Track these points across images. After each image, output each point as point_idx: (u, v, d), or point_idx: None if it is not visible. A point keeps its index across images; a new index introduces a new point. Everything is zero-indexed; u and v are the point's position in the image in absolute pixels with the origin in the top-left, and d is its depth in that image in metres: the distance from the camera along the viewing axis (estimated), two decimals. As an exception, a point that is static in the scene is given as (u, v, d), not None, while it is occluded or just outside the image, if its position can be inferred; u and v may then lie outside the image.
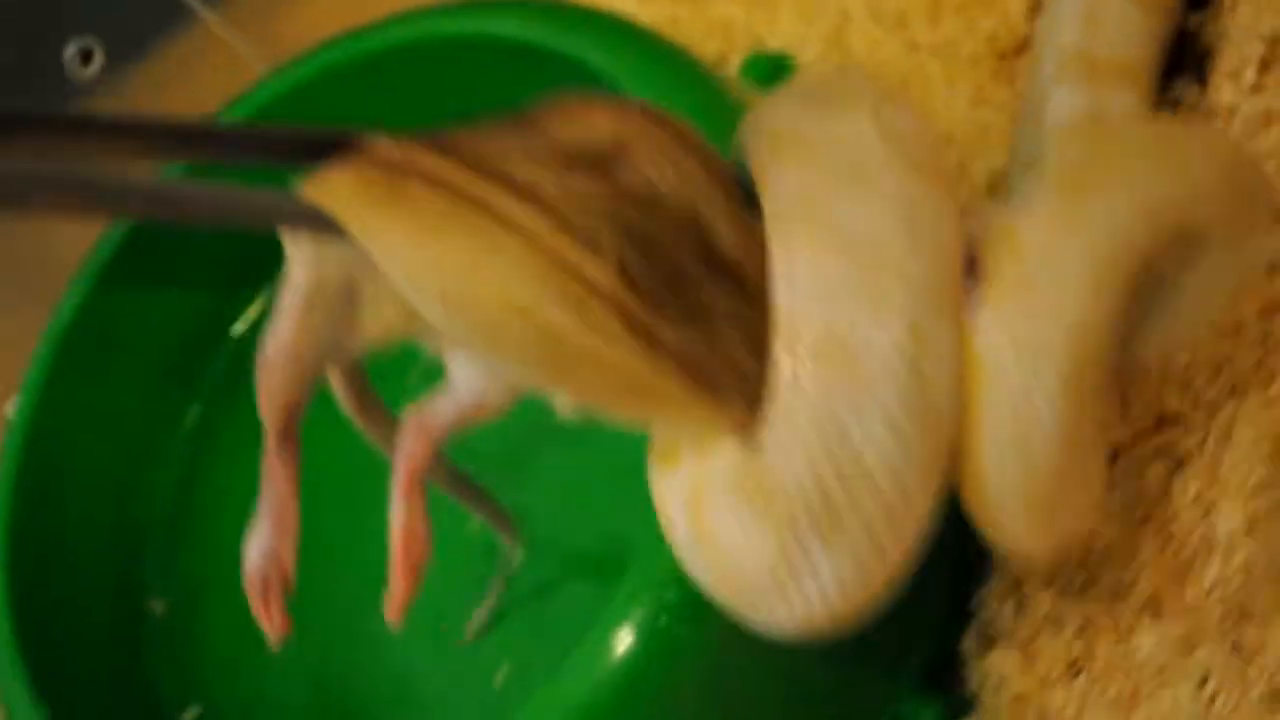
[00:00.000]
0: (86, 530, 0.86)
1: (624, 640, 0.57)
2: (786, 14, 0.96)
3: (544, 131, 0.52)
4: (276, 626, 0.54)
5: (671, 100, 0.71)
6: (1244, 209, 0.56)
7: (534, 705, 0.58)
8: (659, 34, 0.77)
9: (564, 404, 0.51)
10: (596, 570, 0.74)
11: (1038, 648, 0.66)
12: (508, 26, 0.77)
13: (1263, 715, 0.60)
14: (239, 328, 0.91)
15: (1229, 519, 0.63)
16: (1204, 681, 0.62)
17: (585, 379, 0.49)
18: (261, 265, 0.88)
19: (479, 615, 0.73)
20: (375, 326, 0.53)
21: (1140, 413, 0.67)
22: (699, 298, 0.50)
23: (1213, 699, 0.61)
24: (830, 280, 0.49)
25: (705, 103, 0.72)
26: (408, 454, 0.53)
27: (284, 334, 0.52)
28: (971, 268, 0.51)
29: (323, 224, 0.48)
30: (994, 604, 0.68)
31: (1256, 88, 0.73)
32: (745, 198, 0.53)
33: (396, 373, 0.61)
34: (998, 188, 0.83)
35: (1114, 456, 0.66)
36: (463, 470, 0.65)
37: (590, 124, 0.52)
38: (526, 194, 0.48)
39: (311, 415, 0.55)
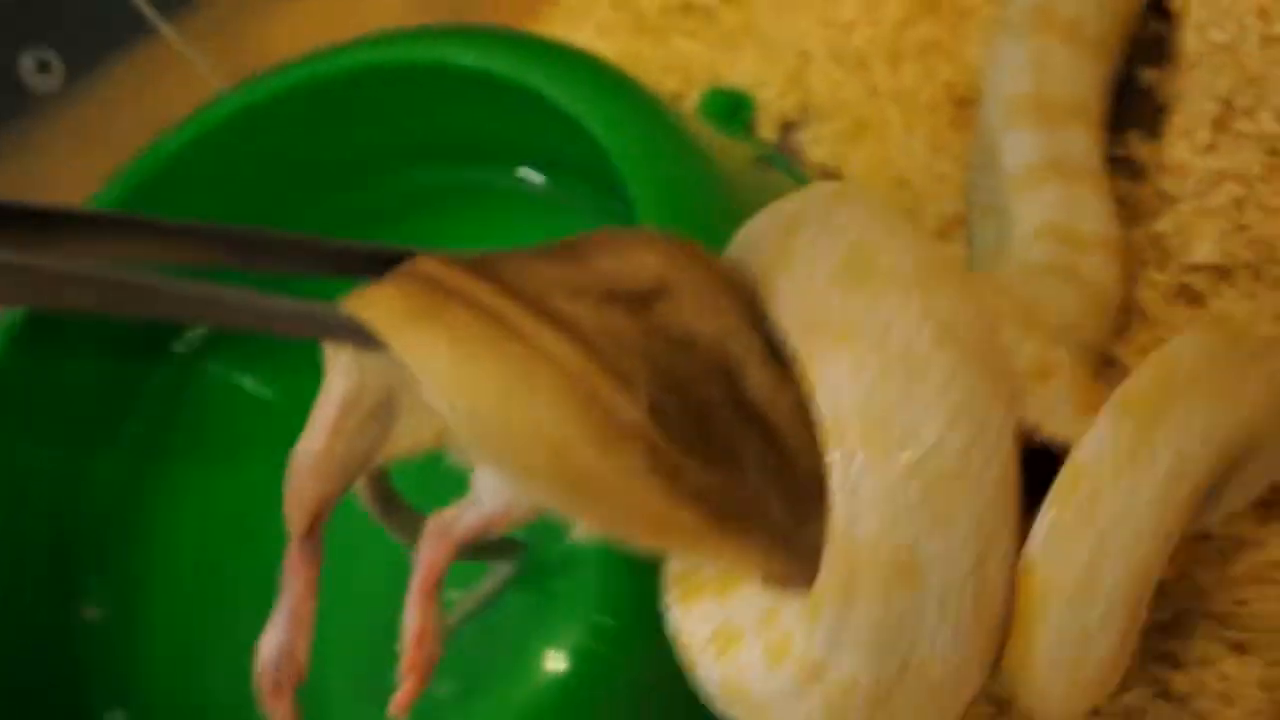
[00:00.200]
0: (21, 538, 0.85)
1: (556, 663, 0.57)
2: (747, 52, 0.97)
3: (589, 263, 0.52)
4: (285, 719, 0.55)
5: (628, 134, 0.71)
6: None
7: None
8: (618, 68, 0.77)
9: (584, 530, 0.51)
10: (538, 588, 0.73)
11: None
12: (467, 56, 0.77)
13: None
14: (179, 347, 0.91)
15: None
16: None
17: (609, 513, 0.49)
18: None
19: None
20: (408, 438, 0.53)
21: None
22: (728, 442, 0.50)
23: None
24: (894, 495, 0.48)
25: (663, 138, 0.72)
26: (429, 560, 0.54)
27: (318, 442, 0.52)
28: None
29: (364, 338, 0.48)
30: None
31: (1210, 147, 0.73)
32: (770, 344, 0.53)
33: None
34: (948, 232, 0.84)
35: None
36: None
37: (639, 261, 0.52)
38: (565, 326, 0.48)
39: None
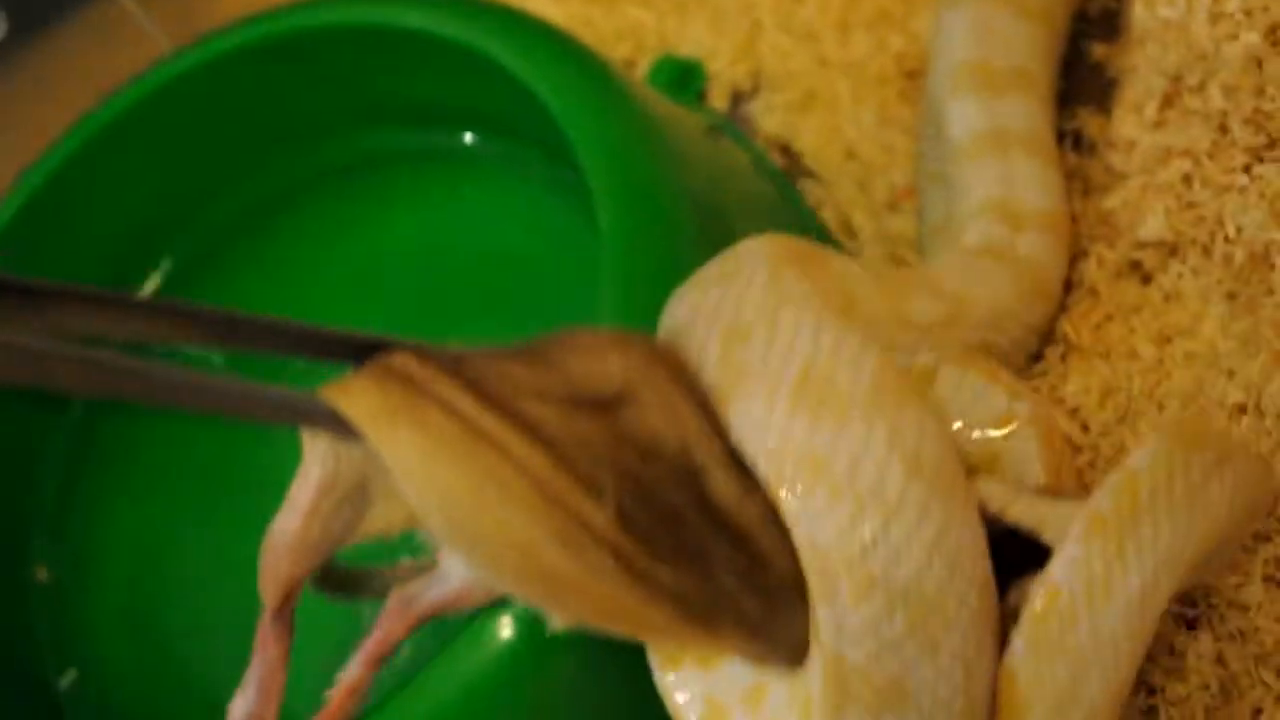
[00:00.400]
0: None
1: (505, 629, 0.57)
2: (698, 21, 0.96)
3: (556, 366, 0.53)
4: None
5: (578, 101, 0.71)
6: (1261, 515, 0.60)
7: (413, 689, 0.58)
8: (569, 34, 0.76)
9: (555, 621, 0.52)
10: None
11: None
12: (414, 18, 0.76)
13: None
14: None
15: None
16: None
17: (579, 608, 0.51)
18: (151, 242, 0.89)
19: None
20: (381, 520, 0.54)
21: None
22: (697, 546, 0.51)
23: None
24: (878, 625, 0.50)
25: (613, 105, 0.71)
26: (389, 632, 0.56)
27: (293, 524, 0.54)
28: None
29: (341, 427, 0.50)
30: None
31: (1158, 123, 0.73)
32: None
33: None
34: (898, 203, 0.84)
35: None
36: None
37: (603, 364, 0.53)
38: (533, 430, 0.49)
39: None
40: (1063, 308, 0.75)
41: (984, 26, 0.79)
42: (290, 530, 0.54)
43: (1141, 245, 0.73)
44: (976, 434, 0.61)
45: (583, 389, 0.52)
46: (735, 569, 0.51)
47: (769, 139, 0.90)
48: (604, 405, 0.52)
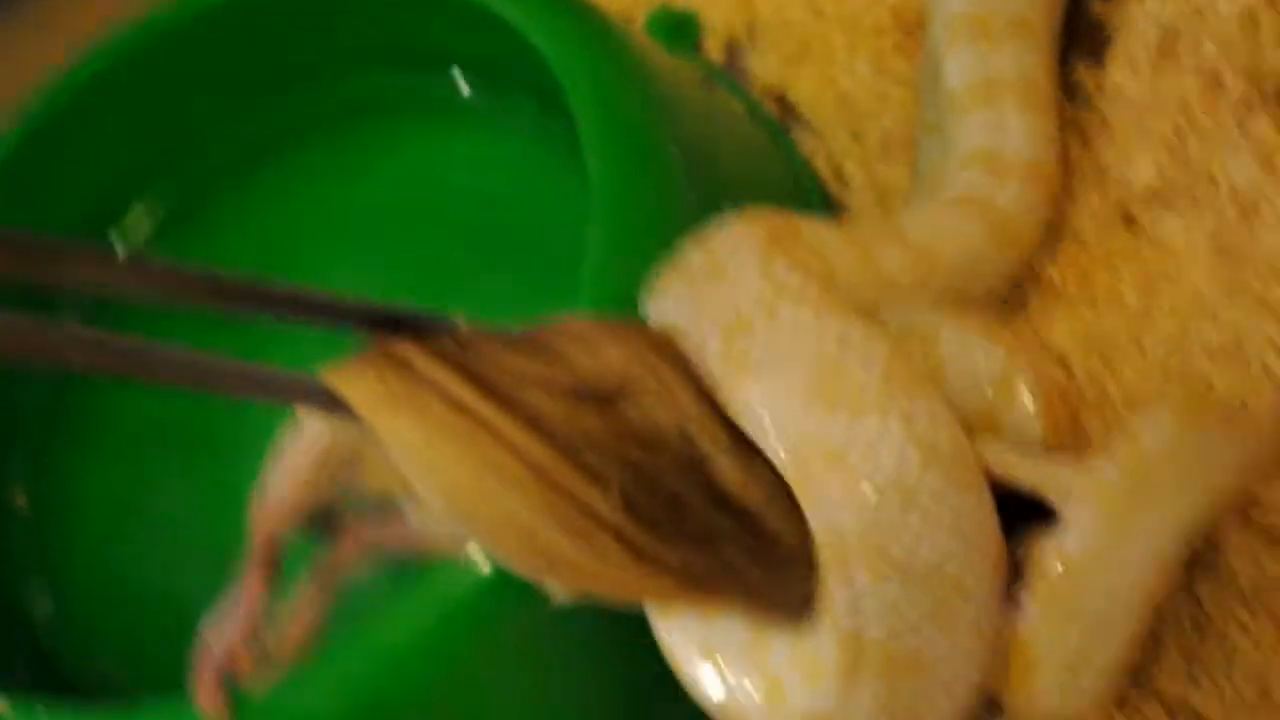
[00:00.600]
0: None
1: (484, 564, 0.58)
2: (695, -29, 0.96)
3: (559, 358, 0.54)
4: (213, 707, 0.58)
5: (572, 49, 0.71)
6: (1265, 473, 0.62)
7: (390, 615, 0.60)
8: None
9: (557, 593, 0.53)
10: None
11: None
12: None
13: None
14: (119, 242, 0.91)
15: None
16: None
17: (578, 583, 0.52)
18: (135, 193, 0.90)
19: None
20: (373, 487, 0.56)
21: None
22: (703, 528, 0.52)
23: None
24: (896, 605, 0.52)
25: (608, 54, 0.71)
26: (339, 551, 0.57)
27: (286, 488, 0.56)
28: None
29: (340, 408, 0.50)
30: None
31: (1152, 74, 0.73)
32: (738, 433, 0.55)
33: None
34: (891, 153, 0.84)
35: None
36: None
37: (603, 356, 0.54)
38: (533, 421, 0.50)
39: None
40: (1051, 255, 0.75)
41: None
42: (281, 493, 0.55)
43: (1132, 194, 0.73)
44: (977, 392, 0.62)
45: (585, 381, 0.53)
46: (742, 546, 0.52)
47: (764, 89, 0.90)
48: (606, 398, 0.53)
